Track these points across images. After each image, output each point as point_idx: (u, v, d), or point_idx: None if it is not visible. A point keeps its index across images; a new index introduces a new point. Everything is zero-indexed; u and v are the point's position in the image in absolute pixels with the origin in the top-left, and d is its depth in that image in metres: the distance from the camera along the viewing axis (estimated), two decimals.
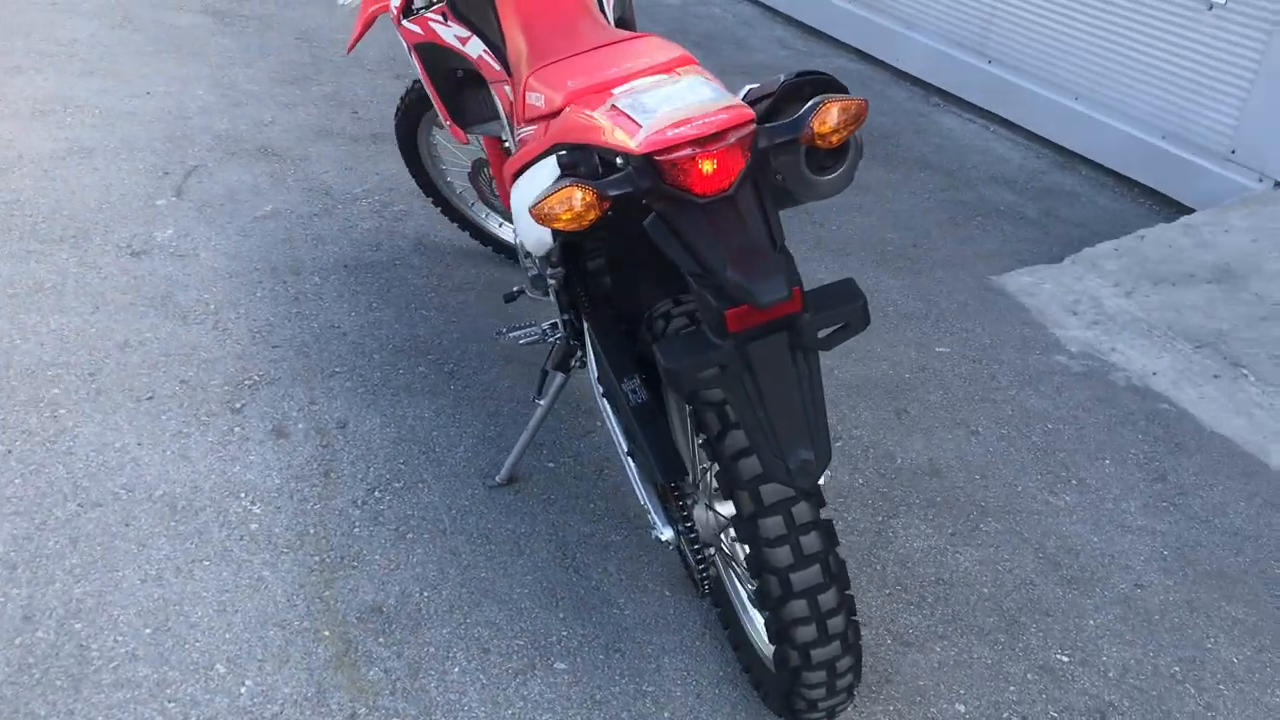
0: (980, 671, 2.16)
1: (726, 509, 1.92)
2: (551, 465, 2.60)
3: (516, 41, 2.12)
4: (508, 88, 2.19)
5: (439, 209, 3.35)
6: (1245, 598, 2.36)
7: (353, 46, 2.85)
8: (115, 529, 2.32)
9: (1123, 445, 2.81)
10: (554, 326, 2.40)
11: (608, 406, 2.09)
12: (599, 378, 2.11)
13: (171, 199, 3.60)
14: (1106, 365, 3.14)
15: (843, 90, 1.60)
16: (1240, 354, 3.15)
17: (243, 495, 2.43)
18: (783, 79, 1.59)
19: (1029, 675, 2.16)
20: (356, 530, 2.37)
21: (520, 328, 2.43)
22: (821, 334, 1.46)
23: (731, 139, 1.45)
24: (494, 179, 3.01)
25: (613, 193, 1.50)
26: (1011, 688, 2.13)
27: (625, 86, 1.69)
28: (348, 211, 3.62)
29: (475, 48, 2.31)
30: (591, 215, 1.52)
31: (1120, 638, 2.25)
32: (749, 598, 2.09)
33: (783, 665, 1.73)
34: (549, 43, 2.05)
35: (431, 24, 2.42)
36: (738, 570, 2.07)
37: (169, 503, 2.39)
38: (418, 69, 2.58)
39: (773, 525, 1.64)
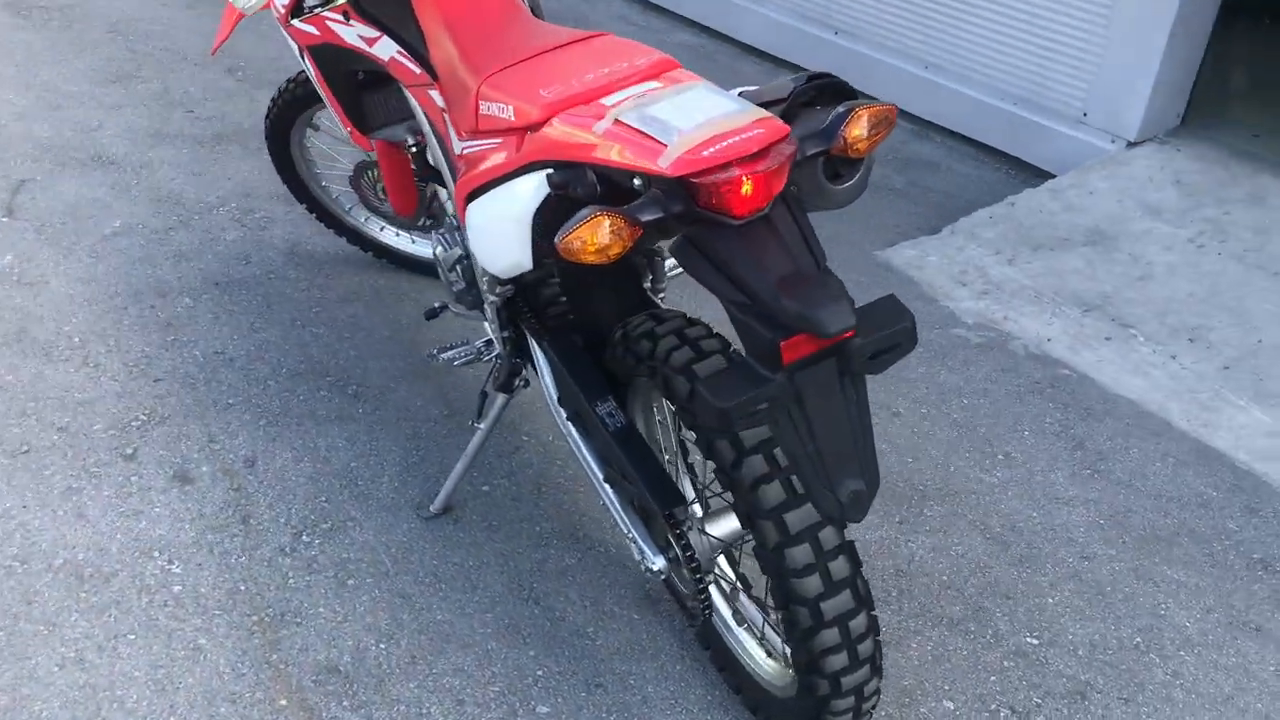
0: (959, 664, 2.14)
1: (719, 530, 1.84)
2: (486, 489, 2.45)
3: (443, 43, 1.96)
4: (434, 93, 2.02)
5: (314, 215, 3.13)
6: (1182, 559, 2.42)
7: (218, 46, 2.60)
8: (17, 609, 2.06)
9: (1037, 415, 2.86)
10: (489, 344, 2.25)
11: (574, 431, 1.96)
12: (561, 400, 1.99)
13: (2, 219, 3.25)
14: (1003, 335, 3.18)
15: (851, 92, 1.52)
16: (1126, 315, 3.25)
17: (156, 554, 2.20)
18: (792, 85, 1.50)
19: (1005, 663, 2.15)
20: (291, 581, 2.18)
21: (453, 347, 2.28)
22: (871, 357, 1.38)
23: (775, 156, 1.35)
24: (382, 182, 2.82)
25: (644, 219, 1.38)
26: (992, 677, 2.12)
27: (618, 97, 1.57)
28: (206, 222, 3.34)
29: (386, 49, 2.12)
30: (619, 247, 1.39)
31: (1080, 614, 2.27)
32: (733, 616, 2.02)
33: (809, 693, 1.67)
34: (487, 44, 1.90)
35: (330, 24, 2.22)
36: (724, 589, 1.99)
37: (74, 571, 2.14)
38: (311, 72, 2.38)
39: (800, 554, 1.57)
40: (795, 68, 5.00)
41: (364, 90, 2.34)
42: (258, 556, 2.22)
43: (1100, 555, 2.42)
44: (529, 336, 2.09)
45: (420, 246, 3.14)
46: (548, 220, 1.60)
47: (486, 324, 2.33)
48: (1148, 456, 2.73)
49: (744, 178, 1.32)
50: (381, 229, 3.15)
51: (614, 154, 1.44)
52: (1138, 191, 3.75)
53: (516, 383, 2.20)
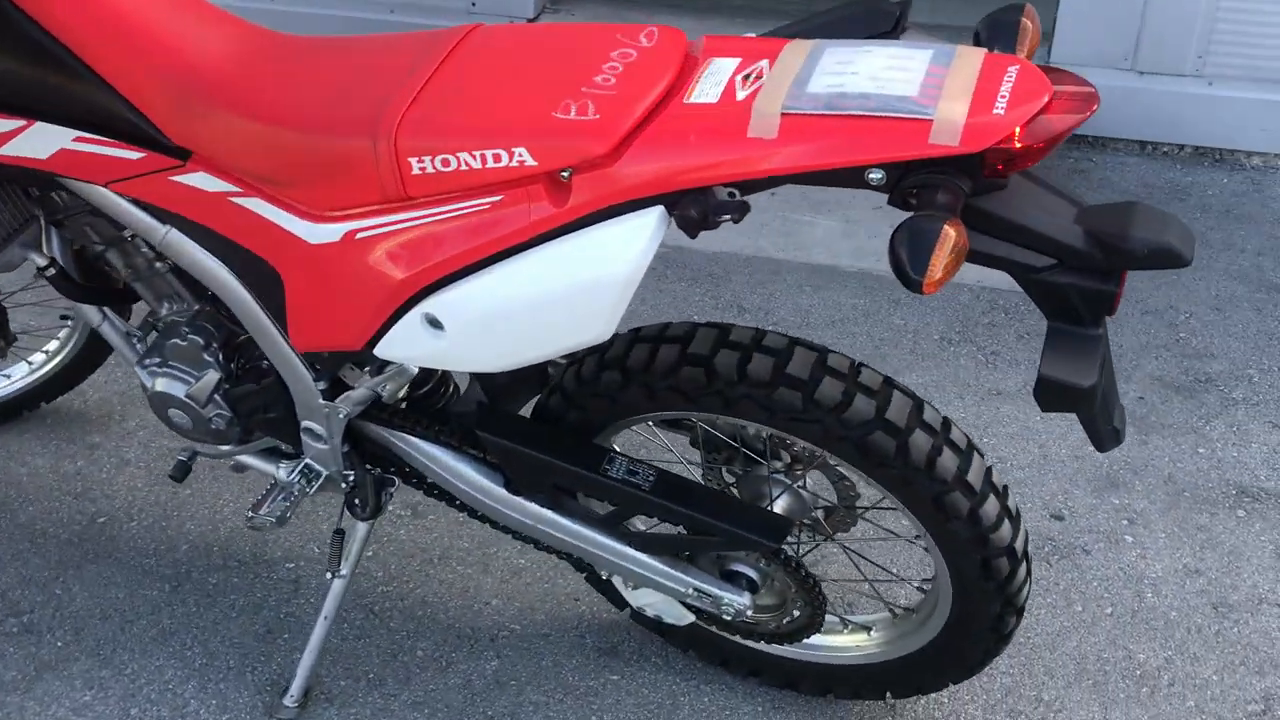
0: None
1: None
2: None
3: (186, 103, 1.37)
4: (187, 177, 1.41)
5: None
6: (905, 365, 2.61)
7: None
8: None
9: (697, 301, 2.85)
10: (308, 474, 1.70)
11: (554, 515, 1.59)
12: (520, 487, 1.59)
13: None
14: None
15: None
16: None
17: None
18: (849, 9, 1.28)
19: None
20: None
21: (265, 499, 1.69)
22: None
23: (1061, 95, 1.14)
24: None
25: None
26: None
27: (709, 91, 1.20)
28: None
29: (45, 142, 1.43)
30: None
31: None
32: None
33: (994, 633, 1.57)
34: (299, 84, 1.36)
35: None
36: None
37: None
38: None
39: (991, 508, 1.47)
40: None
41: None
42: None
43: None
44: (403, 438, 1.62)
45: None
46: None
47: (254, 457, 1.77)
48: (788, 295, 2.86)
49: (1054, 130, 1.11)
50: None
51: (823, 154, 1.13)
52: None
53: (384, 498, 1.71)
